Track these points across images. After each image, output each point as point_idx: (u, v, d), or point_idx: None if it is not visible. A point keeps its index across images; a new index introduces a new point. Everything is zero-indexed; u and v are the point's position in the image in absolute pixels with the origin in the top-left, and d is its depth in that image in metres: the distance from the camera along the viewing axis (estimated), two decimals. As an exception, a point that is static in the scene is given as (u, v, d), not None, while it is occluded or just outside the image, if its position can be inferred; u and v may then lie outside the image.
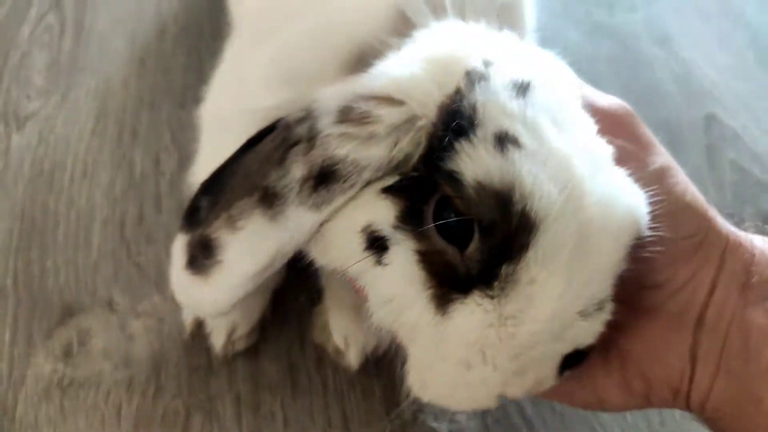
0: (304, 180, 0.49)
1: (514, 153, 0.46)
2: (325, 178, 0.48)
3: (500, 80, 0.49)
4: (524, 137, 0.47)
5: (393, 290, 0.50)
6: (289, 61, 0.61)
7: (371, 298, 0.52)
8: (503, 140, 0.46)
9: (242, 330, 0.76)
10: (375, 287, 0.51)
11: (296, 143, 0.50)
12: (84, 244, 0.86)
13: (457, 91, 0.49)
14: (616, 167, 0.51)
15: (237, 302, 0.55)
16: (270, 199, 0.50)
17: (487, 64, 0.50)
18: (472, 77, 0.49)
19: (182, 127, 0.96)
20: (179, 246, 0.55)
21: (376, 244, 0.50)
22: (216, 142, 0.68)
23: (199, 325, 0.77)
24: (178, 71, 1.09)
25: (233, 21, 0.86)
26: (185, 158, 0.87)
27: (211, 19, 1.06)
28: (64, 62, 1.09)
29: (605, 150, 0.51)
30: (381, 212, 0.50)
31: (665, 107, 1.14)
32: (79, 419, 0.73)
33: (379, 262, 0.50)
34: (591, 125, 0.52)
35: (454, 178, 0.46)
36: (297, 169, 0.49)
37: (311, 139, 0.49)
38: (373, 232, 0.50)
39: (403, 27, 0.56)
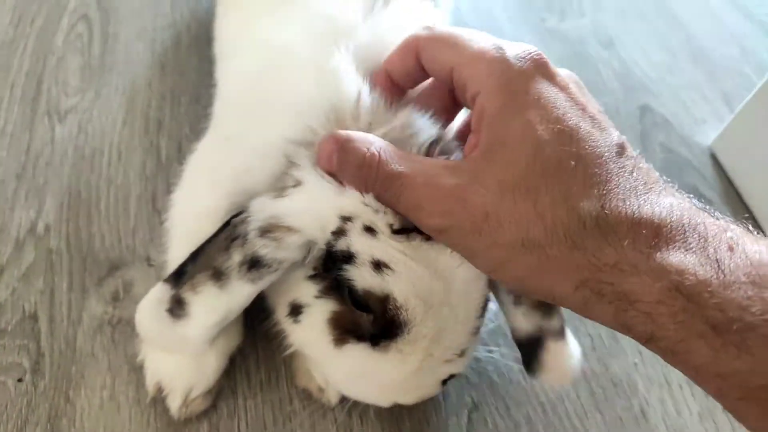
0: (241, 264, 0.66)
1: (388, 276, 0.62)
2: (255, 263, 0.65)
3: (358, 229, 0.63)
4: (392, 264, 0.62)
5: (305, 337, 0.71)
6: (232, 184, 0.75)
7: (291, 341, 0.74)
8: (379, 265, 0.62)
9: (197, 392, 0.79)
10: (292, 336, 0.73)
11: (236, 238, 0.67)
12: (123, 214, 1.01)
13: (328, 242, 0.65)
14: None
15: (201, 346, 0.73)
16: (218, 275, 0.67)
17: (345, 219, 0.64)
18: (335, 234, 0.64)
19: (198, 119, 1.10)
20: (159, 293, 0.72)
21: (295, 311, 0.70)
22: (186, 227, 0.81)
23: (160, 390, 0.81)
24: (193, 74, 1.24)
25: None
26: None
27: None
28: (95, 65, 1.25)
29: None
30: (306, 291, 0.68)
31: (607, 100, 1.28)
32: (127, 348, 0.86)
33: (295, 321, 0.70)
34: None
35: (350, 281, 0.64)
36: (236, 256, 0.66)
37: (245, 237, 0.66)
38: (296, 305, 0.69)
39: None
